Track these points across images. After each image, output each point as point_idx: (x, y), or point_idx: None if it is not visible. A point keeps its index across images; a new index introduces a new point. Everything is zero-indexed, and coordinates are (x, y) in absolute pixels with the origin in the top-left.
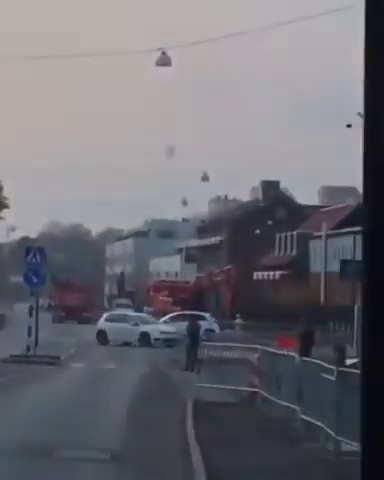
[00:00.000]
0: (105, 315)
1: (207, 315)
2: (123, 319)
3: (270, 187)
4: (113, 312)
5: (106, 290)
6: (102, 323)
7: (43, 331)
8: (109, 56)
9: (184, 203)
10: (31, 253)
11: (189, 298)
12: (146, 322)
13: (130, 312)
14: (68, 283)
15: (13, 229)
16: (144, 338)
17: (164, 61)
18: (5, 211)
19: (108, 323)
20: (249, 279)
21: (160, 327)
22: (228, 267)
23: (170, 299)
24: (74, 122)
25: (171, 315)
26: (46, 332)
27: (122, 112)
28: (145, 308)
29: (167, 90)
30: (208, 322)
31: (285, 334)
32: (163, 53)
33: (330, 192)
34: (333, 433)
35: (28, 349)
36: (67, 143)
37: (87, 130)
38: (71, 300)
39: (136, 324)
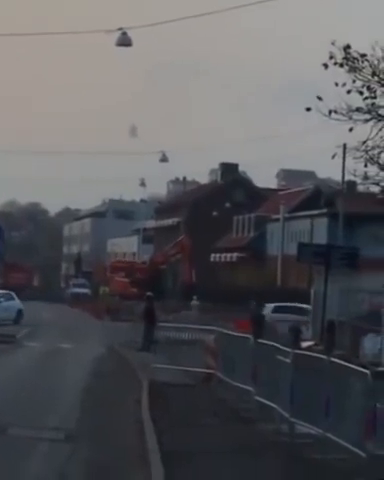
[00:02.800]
0: (272, 305)
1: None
2: (297, 311)
3: (229, 170)
4: (281, 304)
5: (63, 270)
6: (268, 315)
7: None
8: (68, 35)
9: (142, 184)
10: None
11: (146, 279)
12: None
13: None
14: (14, 264)
15: None
16: None
17: (124, 41)
18: None
19: (277, 315)
20: (206, 261)
21: None
22: (181, 237)
23: (127, 280)
24: (31, 100)
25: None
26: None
27: (80, 91)
28: (101, 288)
29: (127, 70)
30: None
31: (240, 316)
32: (123, 33)
33: (288, 175)
34: (287, 415)
35: None
36: (26, 121)
37: (45, 108)
38: (14, 279)
39: None
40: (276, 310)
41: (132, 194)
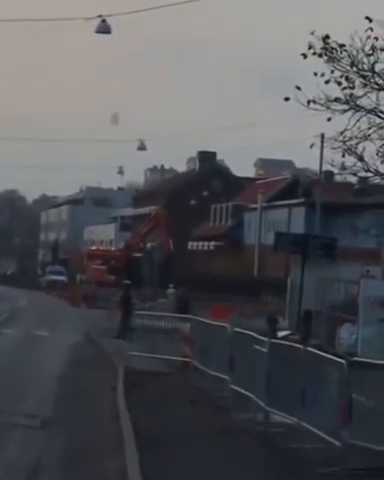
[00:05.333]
0: None
1: None
2: None
3: (206, 158)
4: None
5: (40, 257)
6: None
7: None
8: (47, 22)
9: (120, 172)
10: None
11: (123, 266)
12: None
13: None
14: None
15: None
16: None
17: (103, 28)
18: None
19: None
20: (183, 249)
21: None
22: (156, 209)
23: (104, 267)
24: (9, 87)
25: None
26: None
27: (59, 78)
28: (78, 276)
29: (106, 57)
30: None
31: (218, 305)
32: (103, 20)
33: (266, 164)
34: (263, 404)
35: None
36: (4, 108)
37: (24, 95)
38: None
39: None
40: None
41: (110, 182)
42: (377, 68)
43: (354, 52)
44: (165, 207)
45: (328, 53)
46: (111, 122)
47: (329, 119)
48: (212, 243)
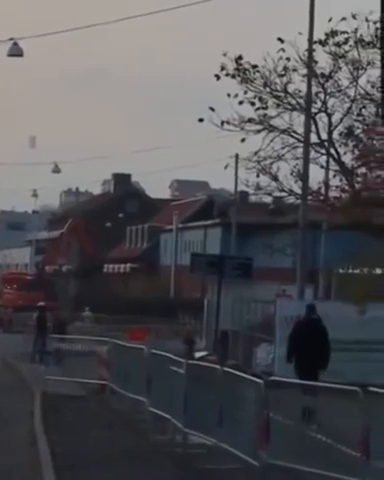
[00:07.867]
0: None
1: None
2: None
3: (121, 180)
4: None
5: None
6: None
7: None
8: None
9: (34, 195)
10: None
11: (38, 289)
12: None
13: None
14: None
15: None
16: None
17: (16, 51)
18: None
19: None
20: (99, 271)
21: None
22: (70, 220)
23: (19, 291)
24: None
25: None
26: None
27: None
28: None
29: (18, 81)
30: None
31: (135, 327)
32: (15, 43)
33: (181, 186)
34: (181, 425)
35: None
36: None
37: None
38: None
39: None
40: None
41: (24, 205)
42: (290, 88)
43: (267, 73)
44: (81, 218)
45: (241, 74)
46: (29, 145)
47: (243, 140)
48: (128, 265)
